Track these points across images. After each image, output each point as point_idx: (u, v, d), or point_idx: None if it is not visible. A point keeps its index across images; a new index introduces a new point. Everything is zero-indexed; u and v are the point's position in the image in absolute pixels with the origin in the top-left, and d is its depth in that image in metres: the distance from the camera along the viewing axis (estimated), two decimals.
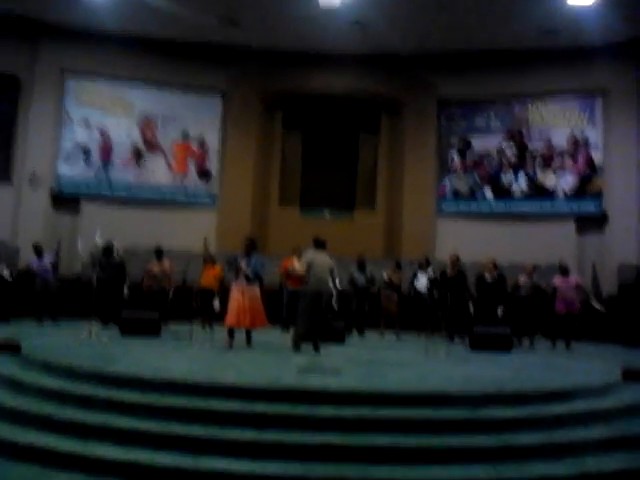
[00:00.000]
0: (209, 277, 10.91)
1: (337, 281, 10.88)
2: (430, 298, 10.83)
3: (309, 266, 7.66)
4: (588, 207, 16.27)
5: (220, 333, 9.70)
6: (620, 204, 15.72)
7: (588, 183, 16.26)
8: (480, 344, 8.80)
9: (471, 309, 10.44)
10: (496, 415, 4.56)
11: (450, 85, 17.04)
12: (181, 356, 6.53)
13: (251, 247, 8.24)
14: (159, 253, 11.08)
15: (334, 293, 10.29)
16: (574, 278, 10.44)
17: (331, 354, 7.43)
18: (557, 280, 10.35)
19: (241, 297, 7.59)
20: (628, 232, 15.57)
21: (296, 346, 7.47)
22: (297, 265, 7.83)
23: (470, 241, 15.98)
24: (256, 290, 7.90)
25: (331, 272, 7.94)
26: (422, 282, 10.93)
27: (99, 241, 8.42)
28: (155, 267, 10.85)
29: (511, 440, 4.28)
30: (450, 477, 3.73)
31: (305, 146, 18.04)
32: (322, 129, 17.92)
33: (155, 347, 7.43)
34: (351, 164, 18.06)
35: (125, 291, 10.48)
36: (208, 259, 11.16)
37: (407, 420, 4.32)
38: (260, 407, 4.41)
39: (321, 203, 17.73)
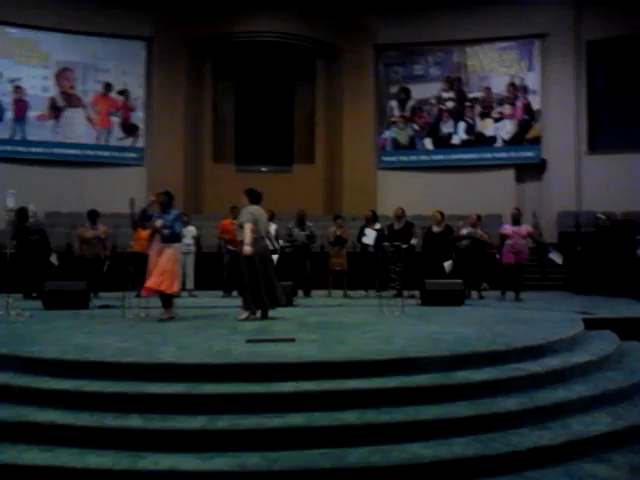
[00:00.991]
0: (141, 240, 10.04)
1: (275, 237, 10.35)
2: (378, 253, 10.44)
3: (253, 222, 6.95)
4: (527, 154, 16.19)
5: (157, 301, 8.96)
6: (558, 150, 15.70)
7: (527, 130, 16.15)
8: (432, 299, 8.45)
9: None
10: (472, 378, 4.12)
11: (387, 30, 16.38)
12: (111, 331, 5.78)
13: (167, 202, 7.36)
14: (93, 216, 10.06)
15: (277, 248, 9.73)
16: (525, 227, 10.18)
17: (279, 318, 6.85)
18: (508, 229, 10.07)
19: (156, 260, 6.80)
20: (566, 179, 15.62)
21: (251, 312, 6.82)
22: (247, 228, 6.83)
23: (411, 193, 15.69)
24: (170, 251, 6.91)
25: (267, 226, 7.36)
26: (369, 237, 10.44)
27: (10, 205, 7.37)
28: (88, 232, 9.85)
29: (492, 406, 3.85)
30: (435, 456, 3.25)
31: (238, 97, 17.05)
32: (255, 78, 16.93)
33: (83, 322, 6.64)
34: (287, 115, 17.23)
35: (54, 260, 9.49)
36: (138, 221, 10.26)
37: (377, 391, 3.81)
38: (208, 388, 3.79)
39: (257, 158, 16.89)
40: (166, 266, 6.74)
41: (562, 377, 4.47)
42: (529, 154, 16.16)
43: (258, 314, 6.84)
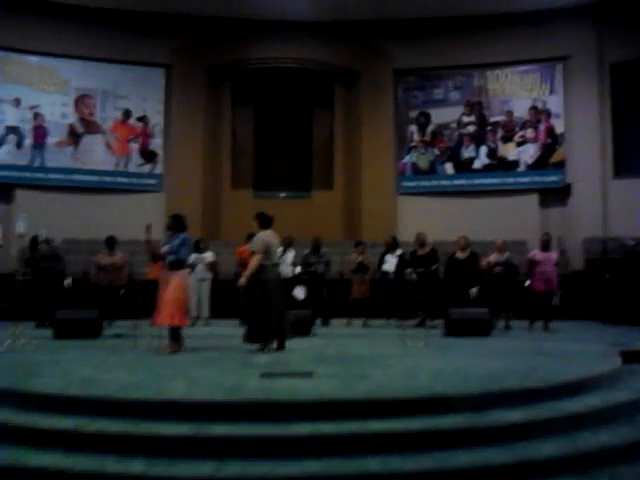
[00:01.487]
0: (157, 267, 9.83)
1: (290, 263, 10.04)
2: (398, 280, 10.09)
3: (266, 249, 6.66)
4: (551, 179, 15.83)
5: None
6: (583, 175, 15.32)
7: (551, 154, 15.81)
8: (457, 329, 8.06)
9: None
10: (506, 419, 3.76)
11: (406, 55, 16.25)
12: (121, 363, 5.51)
13: (174, 226, 6.85)
14: (111, 242, 9.84)
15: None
16: (554, 254, 9.76)
17: (296, 350, 6.53)
18: (537, 255, 9.65)
19: (164, 289, 6.46)
20: (592, 204, 15.19)
21: (261, 346, 6.51)
22: (255, 259, 6.60)
23: (432, 219, 15.31)
24: (176, 280, 6.48)
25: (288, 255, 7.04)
26: (390, 264, 10.11)
27: (21, 230, 7.17)
28: (104, 258, 9.63)
29: (529, 451, 3.48)
30: None
31: (257, 123, 16.98)
32: (274, 104, 16.87)
33: (93, 352, 6.38)
34: (306, 141, 17.11)
35: (67, 282, 9.27)
36: (152, 249, 10.08)
37: (403, 434, 3.46)
38: (218, 429, 3.47)
39: (276, 184, 16.74)
40: (172, 296, 6.36)
41: (605, 418, 4.08)
42: (553, 178, 15.79)
43: (274, 344, 6.57)
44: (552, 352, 6.19)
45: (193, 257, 10.65)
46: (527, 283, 9.76)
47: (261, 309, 6.38)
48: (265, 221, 6.91)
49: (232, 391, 4.00)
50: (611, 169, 15.36)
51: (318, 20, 15.76)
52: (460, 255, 10.00)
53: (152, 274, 9.74)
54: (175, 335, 6.43)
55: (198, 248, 10.67)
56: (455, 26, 15.88)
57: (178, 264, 6.62)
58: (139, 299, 7.80)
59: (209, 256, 10.70)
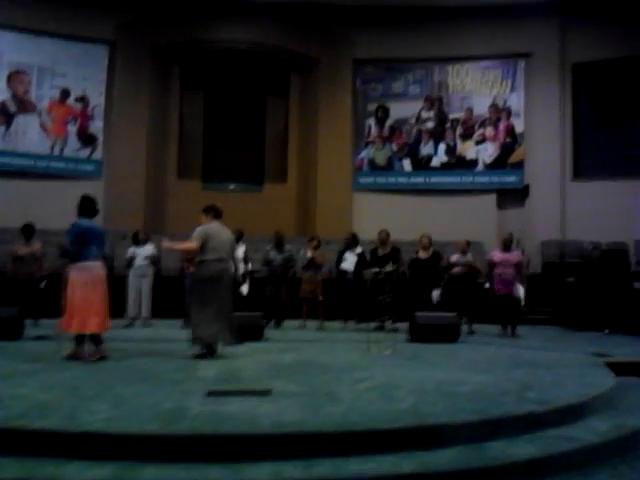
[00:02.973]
0: None
1: (241, 258, 9.22)
2: (357, 280, 9.39)
3: (204, 240, 5.87)
4: (509, 179, 15.45)
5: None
6: (542, 176, 14.98)
7: (510, 154, 15.42)
8: (423, 335, 7.39)
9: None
10: (511, 454, 3.05)
11: (367, 44, 15.54)
12: (37, 375, 4.55)
13: (78, 209, 5.82)
14: (28, 231, 8.76)
15: (240, 274, 8.56)
16: (515, 255, 9.20)
17: (248, 358, 5.70)
18: (496, 255, 9.09)
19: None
20: (550, 206, 14.87)
21: (203, 349, 5.73)
22: (184, 244, 5.99)
23: (388, 217, 14.56)
24: (67, 275, 5.62)
25: (233, 248, 6.23)
26: (350, 262, 9.38)
27: None
28: (22, 249, 8.53)
29: None
30: None
31: (207, 109, 15.94)
32: (226, 90, 15.87)
33: (6, 360, 5.37)
34: (259, 131, 16.19)
35: None
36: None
37: (390, 478, 2.70)
38: (148, 473, 2.62)
39: (226, 175, 15.78)
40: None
41: (621, 448, 3.43)
42: (511, 179, 15.42)
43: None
44: (534, 362, 5.57)
45: (131, 250, 9.68)
46: (486, 285, 9.21)
47: (198, 309, 5.68)
48: (213, 212, 6.15)
49: (169, 418, 3.14)
50: (570, 171, 15.08)
51: (275, 2, 14.87)
52: (422, 255, 9.40)
53: None
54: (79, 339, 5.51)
55: (137, 241, 9.67)
56: (418, 17, 15.28)
57: (67, 256, 5.67)
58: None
59: (149, 249, 9.69)
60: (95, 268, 5.55)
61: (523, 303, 9.20)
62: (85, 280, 5.41)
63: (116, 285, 9.70)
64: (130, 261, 9.54)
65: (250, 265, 9.65)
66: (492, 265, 9.09)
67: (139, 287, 9.49)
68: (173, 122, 15.59)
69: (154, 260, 9.77)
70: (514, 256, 9.13)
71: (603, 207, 14.18)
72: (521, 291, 9.08)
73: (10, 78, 14.33)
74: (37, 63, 14.55)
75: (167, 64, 15.46)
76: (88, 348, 5.43)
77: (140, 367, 4.99)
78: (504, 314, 8.92)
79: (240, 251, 9.55)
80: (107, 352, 5.49)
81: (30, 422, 3.01)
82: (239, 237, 9.63)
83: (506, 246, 9.15)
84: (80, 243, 5.51)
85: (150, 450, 2.79)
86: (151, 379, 4.36)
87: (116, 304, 9.51)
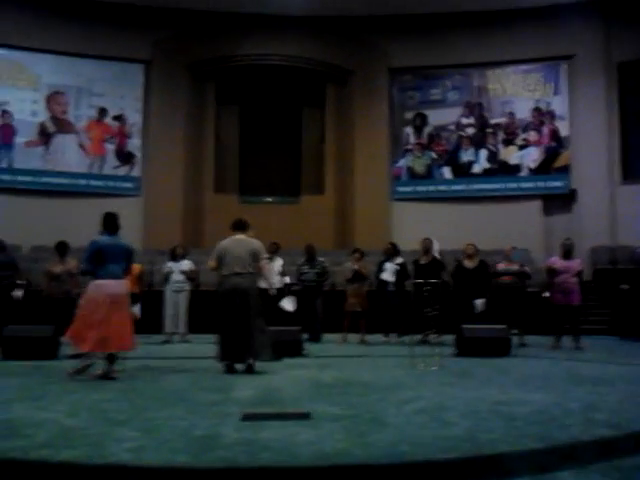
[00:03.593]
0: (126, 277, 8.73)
1: (277, 272, 9.01)
2: (399, 291, 9.06)
3: (220, 257, 5.75)
4: (555, 184, 14.90)
5: (143, 349, 7.55)
6: (589, 180, 14.41)
7: (554, 158, 14.90)
8: (470, 348, 7.00)
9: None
10: None
11: (402, 53, 15.28)
12: (66, 396, 4.37)
13: (104, 227, 5.66)
14: (62, 249, 8.67)
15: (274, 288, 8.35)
16: (576, 262, 8.69)
17: (285, 376, 5.43)
18: (557, 263, 8.60)
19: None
20: (599, 210, 14.28)
21: (226, 368, 5.65)
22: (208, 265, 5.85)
23: (428, 226, 14.16)
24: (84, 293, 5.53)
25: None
26: (390, 272, 9.04)
27: None
28: (57, 267, 8.46)
29: None
30: None
31: (242, 123, 15.89)
32: (261, 103, 15.82)
33: (38, 380, 5.23)
34: (295, 143, 16.05)
35: (16, 294, 8.09)
36: None
37: None
38: None
39: (262, 188, 15.67)
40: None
41: None
42: (557, 184, 14.87)
43: (241, 367, 5.70)
44: (595, 378, 5.14)
45: (168, 266, 9.55)
46: (546, 294, 8.71)
47: (219, 326, 5.68)
48: (233, 225, 6.02)
49: (201, 447, 2.88)
50: (619, 174, 14.47)
51: (308, 15, 14.78)
52: (468, 264, 8.99)
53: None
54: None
55: (174, 256, 9.54)
56: (453, 23, 14.98)
57: (86, 273, 5.56)
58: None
59: (186, 264, 9.54)
60: (112, 286, 5.35)
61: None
62: (100, 298, 5.24)
63: (154, 301, 9.66)
64: (167, 276, 9.41)
65: (288, 279, 9.41)
66: (551, 273, 8.60)
67: (176, 302, 9.34)
68: (209, 137, 15.58)
69: (191, 275, 9.61)
70: (576, 264, 8.63)
71: None
72: None
73: (49, 99, 14.56)
74: (75, 84, 14.78)
75: (202, 80, 15.49)
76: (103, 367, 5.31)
77: (174, 387, 4.76)
78: (562, 325, 8.43)
79: (277, 265, 9.35)
80: (116, 374, 5.33)
81: (54, 452, 2.79)
82: (275, 251, 9.44)
83: (567, 252, 8.65)
84: (97, 260, 5.36)
85: None
86: (185, 401, 4.12)
87: (154, 320, 9.49)
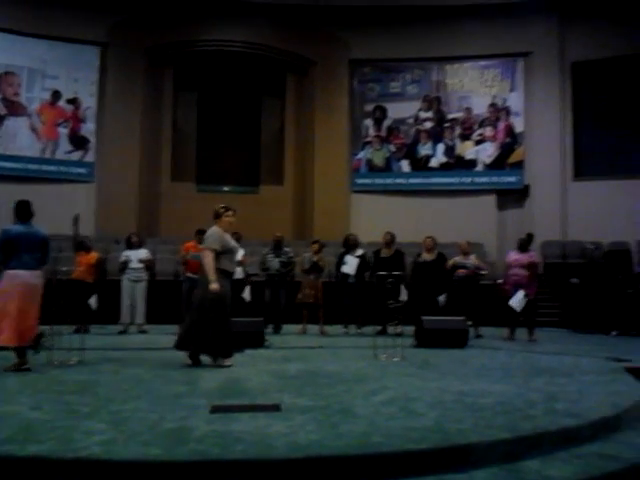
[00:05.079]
0: (82, 266, 8.55)
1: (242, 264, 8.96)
2: (359, 283, 9.12)
3: (223, 247, 5.55)
4: (509, 179, 15.24)
5: (100, 340, 7.43)
6: (542, 176, 14.80)
7: (509, 154, 15.23)
8: (430, 340, 7.12)
9: (404, 295, 8.67)
10: (551, 475, 2.77)
11: (363, 44, 15.32)
12: (26, 388, 4.25)
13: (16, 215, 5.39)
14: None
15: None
16: (528, 255, 8.92)
17: (250, 366, 5.42)
18: (511, 256, 8.85)
19: None
20: (551, 206, 14.68)
21: (193, 358, 5.50)
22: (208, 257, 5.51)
23: (386, 218, 14.35)
24: None
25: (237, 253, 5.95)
26: (351, 265, 9.09)
27: None
28: None
29: None
30: None
31: (201, 110, 15.66)
32: (220, 91, 15.60)
33: None
34: (254, 132, 15.91)
35: None
36: (79, 243, 8.79)
37: None
38: None
39: (221, 177, 15.50)
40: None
41: None
42: (511, 179, 15.22)
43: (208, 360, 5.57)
44: (552, 369, 5.30)
45: (125, 255, 9.36)
46: (499, 281, 8.95)
47: (211, 317, 5.37)
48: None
49: (172, 440, 2.84)
50: (571, 170, 14.90)
51: (270, 3, 14.66)
52: (427, 257, 9.13)
53: (77, 273, 8.47)
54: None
55: (130, 244, 9.36)
56: (414, 16, 15.09)
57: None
58: (60, 303, 6.45)
59: (143, 253, 9.36)
60: (26, 277, 5.11)
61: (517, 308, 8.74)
62: (13, 289, 5.02)
63: (110, 290, 9.47)
64: (124, 266, 9.22)
65: (247, 270, 9.35)
66: (507, 265, 8.84)
67: (133, 292, 9.16)
68: (166, 124, 15.30)
69: (148, 264, 9.45)
70: (525, 257, 8.86)
71: (604, 207, 14.02)
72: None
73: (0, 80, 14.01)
74: (27, 65, 14.27)
75: (160, 65, 15.18)
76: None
77: (138, 379, 4.68)
78: (516, 317, 8.66)
79: (239, 254, 9.26)
80: (28, 365, 5.13)
81: (19, 447, 2.70)
82: (237, 240, 9.33)
83: (521, 247, 8.89)
84: (9, 250, 5.09)
85: (153, 478, 2.50)
86: (150, 393, 4.06)
87: (110, 310, 9.31)
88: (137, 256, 9.23)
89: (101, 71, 14.61)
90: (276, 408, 3.52)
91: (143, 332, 9.13)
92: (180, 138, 15.56)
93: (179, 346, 5.51)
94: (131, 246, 9.37)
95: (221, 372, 5.08)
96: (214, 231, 5.59)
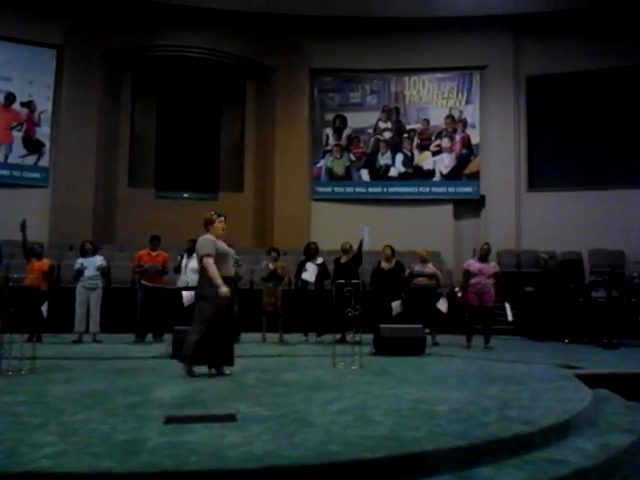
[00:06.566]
0: (34, 272, 8.33)
1: (195, 270, 8.85)
2: (319, 291, 9.14)
3: (218, 254, 5.47)
4: (465, 190, 15.53)
5: (52, 349, 7.24)
6: (497, 186, 15.14)
7: (466, 165, 15.53)
8: (388, 348, 7.18)
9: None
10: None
11: (324, 54, 15.45)
12: None
13: None
14: None
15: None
16: (492, 265, 9.10)
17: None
18: (472, 265, 8.99)
19: None
20: (506, 216, 15.02)
21: (190, 371, 5.35)
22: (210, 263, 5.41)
23: (346, 227, 14.35)
24: None
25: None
26: (311, 273, 9.10)
27: None
28: None
29: None
30: None
31: (160, 116, 15.48)
32: (180, 97, 15.48)
33: None
34: (214, 139, 15.81)
35: None
36: (30, 250, 8.57)
37: None
38: None
39: (179, 183, 15.34)
40: None
41: (609, 470, 3.25)
42: (467, 189, 15.51)
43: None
44: (506, 377, 5.40)
45: (79, 262, 9.16)
46: (458, 294, 9.07)
47: (209, 327, 5.34)
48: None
49: (125, 451, 2.79)
50: (525, 181, 15.27)
51: (232, 9, 14.62)
52: (385, 265, 9.23)
53: (29, 280, 8.23)
54: None
55: (84, 252, 9.16)
56: (375, 28, 15.27)
57: None
58: (10, 311, 6.26)
59: (98, 261, 9.17)
60: None
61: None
62: None
63: (63, 298, 9.24)
64: (78, 273, 9.01)
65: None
66: (467, 275, 8.95)
67: (87, 300, 8.96)
68: (124, 129, 15.08)
69: (104, 271, 9.26)
70: (490, 266, 9.02)
71: (557, 217, 14.42)
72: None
73: None
74: None
75: (118, 70, 14.98)
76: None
77: (90, 389, 4.57)
78: (473, 325, 8.82)
79: (193, 263, 9.18)
80: None
81: None
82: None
83: (483, 256, 9.05)
84: None
85: None
86: (103, 404, 3.97)
87: (64, 318, 9.07)
88: (92, 263, 9.03)
89: (57, 74, 14.32)
90: (232, 418, 3.49)
91: (97, 341, 8.93)
92: (138, 143, 15.34)
93: (191, 358, 5.36)
94: (85, 253, 9.16)
95: (177, 382, 5.01)
96: (206, 238, 5.51)
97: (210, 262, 5.30)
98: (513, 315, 9.22)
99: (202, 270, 5.40)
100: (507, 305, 8.86)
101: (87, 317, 8.94)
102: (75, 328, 8.96)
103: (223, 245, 5.57)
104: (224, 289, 5.21)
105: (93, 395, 4.30)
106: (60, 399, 4.14)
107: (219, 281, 5.22)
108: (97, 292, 9.06)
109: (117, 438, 3.04)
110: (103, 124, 14.50)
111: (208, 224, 5.63)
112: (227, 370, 5.44)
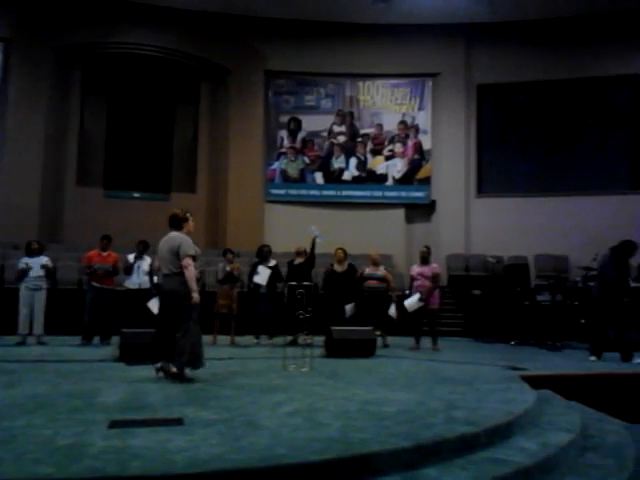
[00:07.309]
0: None
1: (146, 271, 8.74)
2: (271, 294, 9.12)
3: (196, 253, 5.46)
4: (417, 194, 15.76)
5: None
6: (447, 192, 15.42)
7: (417, 170, 15.76)
8: (339, 350, 7.22)
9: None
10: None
11: (279, 56, 15.41)
12: None
13: None
14: None
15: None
16: (431, 267, 9.27)
17: (152, 379, 5.27)
18: (414, 269, 9.17)
19: None
20: (455, 221, 15.30)
21: (182, 376, 5.22)
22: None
23: (299, 229, 14.35)
24: None
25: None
26: (263, 276, 9.07)
27: None
28: None
29: None
30: None
31: (110, 114, 15.13)
32: (132, 95, 15.18)
33: None
34: (166, 139, 15.57)
35: None
36: None
37: None
38: None
39: (130, 183, 15.02)
40: None
41: (549, 467, 3.35)
42: (419, 194, 15.74)
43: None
44: (454, 378, 5.51)
45: (23, 262, 8.88)
46: (407, 292, 9.24)
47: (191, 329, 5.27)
48: (170, 222, 5.55)
49: (66, 457, 2.72)
50: (474, 187, 15.59)
51: (187, 9, 14.46)
52: (338, 268, 9.29)
53: None
54: None
55: (30, 251, 8.89)
56: (330, 32, 15.34)
57: None
58: None
59: (44, 261, 8.91)
60: None
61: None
62: None
63: (6, 299, 8.95)
64: (22, 273, 8.73)
65: (156, 278, 9.10)
66: (411, 279, 9.14)
67: (32, 301, 8.69)
68: (73, 127, 14.69)
69: (49, 272, 9.00)
70: (428, 269, 9.19)
71: (504, 222, 14.79)
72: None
73: None
74: None
75: (69, 66, 14.58)
76: None
77: (33, 393, 4.44)
78: (420, 327, 8.96)
79: (145, 264, 9.05)
80: None
81: None
82: (144, 250, 9.14)
83: (423, 259, 9.21)
84: None
85: None
86: (45, 408, 3.86)
87: (7, 320, 8.78)
88: (37, 263, 8.77)
89: (4, 69, 13.85)
90: (178, 422, 3.45)
91: (42, 343, 8.67)
92: (87, 142, 14.97)
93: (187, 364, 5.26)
94: (31, 253, 8.89)
95: (122, 385, 4.91)
96: (187, 238, 5.37)
97: (191, 264, 5.23)
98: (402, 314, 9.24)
99: (181, 269, 5.24)
100: (392, 304, 9.05)
101: (31, 319, 8.67)
102: (19, 330, 8.67)
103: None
104: (197, 296, 5.15)
105: (35, 399, 4.18)
106: (0, 403, 4.00)
107: (194, 286, 5.16)
108: (41, 293, 8.79)
109: (59, 443, 2.96)
110: (51, 121, 14.10)
111: (182, 222, 5.46)
112: (173, 368, 5.28)
